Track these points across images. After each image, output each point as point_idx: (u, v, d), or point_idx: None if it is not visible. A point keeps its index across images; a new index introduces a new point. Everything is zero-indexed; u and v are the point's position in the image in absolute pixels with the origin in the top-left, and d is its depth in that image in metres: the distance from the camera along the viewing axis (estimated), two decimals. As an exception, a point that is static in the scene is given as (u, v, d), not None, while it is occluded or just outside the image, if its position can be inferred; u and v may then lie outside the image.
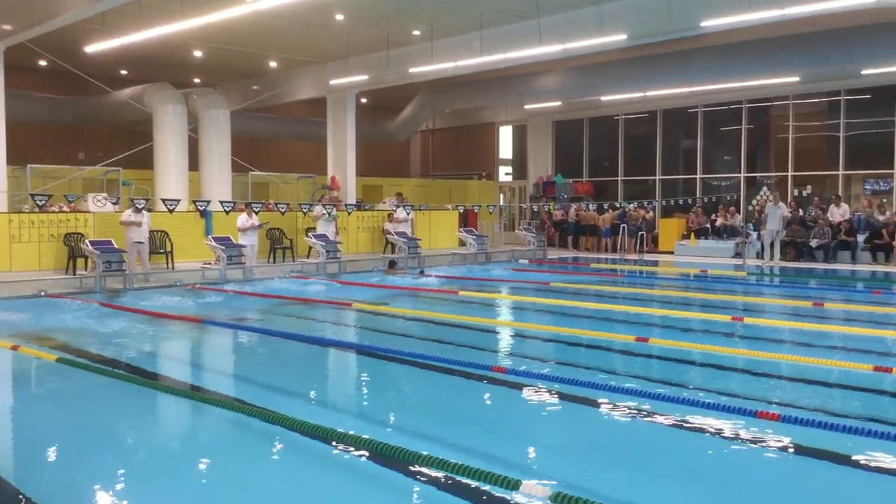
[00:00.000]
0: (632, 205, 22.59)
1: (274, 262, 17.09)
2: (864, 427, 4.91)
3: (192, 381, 7.45)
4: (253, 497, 4.14)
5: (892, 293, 13.33)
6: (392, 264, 15.99)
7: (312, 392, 6.61)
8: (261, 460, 4.73)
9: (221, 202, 15.38)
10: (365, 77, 19.21)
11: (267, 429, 5.13)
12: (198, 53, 19.95)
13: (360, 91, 21.77)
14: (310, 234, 16.63)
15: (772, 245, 18.39)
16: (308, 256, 16.96)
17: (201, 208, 16.08)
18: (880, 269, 17.19)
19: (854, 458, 4.60)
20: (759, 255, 19.14)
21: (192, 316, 10.18)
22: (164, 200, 14.56)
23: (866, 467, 4.49)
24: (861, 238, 18.34)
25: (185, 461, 4.78)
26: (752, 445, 4.88)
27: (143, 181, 19.59)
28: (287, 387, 6.64)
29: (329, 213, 16.63)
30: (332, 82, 20.24)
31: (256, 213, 15.36)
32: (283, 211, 16.49)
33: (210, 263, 14.77)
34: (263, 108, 24.39)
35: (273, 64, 21.40)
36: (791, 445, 4.87)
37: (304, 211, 16.89)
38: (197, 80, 23.58)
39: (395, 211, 18.99)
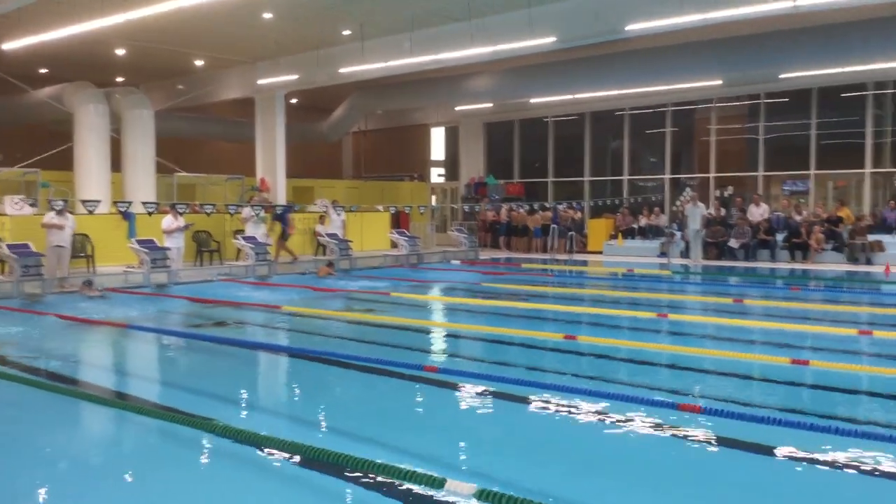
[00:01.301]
0: (562, 205, 22.91)
1: (201, 264, 16.71)
2: (782, 418, 5.08)
3: (116, 389, 7.20)
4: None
5: (809, 290, 13.84)
6: (329, 265, 15.87)
7: (241, 397, 6.47)
8: (189, 469, 4.61)
9: (144, 203, 14.98)
10: (294, 77, 18.99)
11: (195, 436, 5.00)
12: (120, 51, 19.39)
13: (289, 91, 21.49)
14: (238, 236, 16.33)
15: (694, 244, 18.86)
16: (237, 259, 16.66)
17: (123, 210, 15.60)
18: (798, 266, 17.84)
19: (773, 447, 4.73)
20: (684, 255, 19.64)
21: (114, 321, 9.87)
22: (83, 202, 14.10)
23: (785, 457, 4.63)
24: (780, 237, 19.00)
25: (109, 472, 4.61)
26: (676, 437, 4.99)
27: (64, 183, 18.92)
28: (215, 392, 6.50)
29: (257, 215, 16.36)
30: (261, 82, 19.95)
31: (182, 214, 15.00)
32: (209, 212, 16.16)
33: (134, 267, 14.35)
34: (190, 108, 23.86)
35: (199, 63, 20.95)
36: (713, 437, 4.99)
37: (231, 212, 16.57)
38: (120, 79, 22.91)
39: (325, 213, 18.81)
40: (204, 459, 4.80)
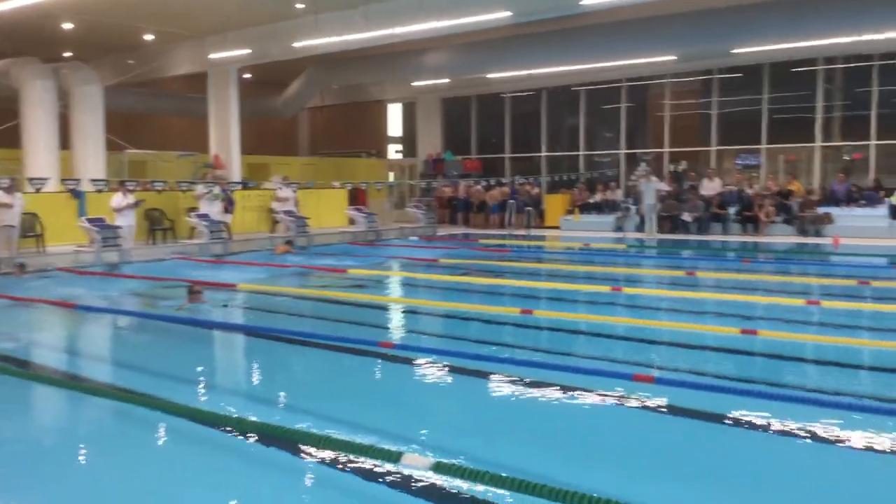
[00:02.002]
0: (520, 180, 23.00)
1: (154, 243, 16.44)
2: (733, 386, 5.20)
3: (69, 370, 7.07)
4: (141, 487, 3.99)
5: (760, 262, 14.14)
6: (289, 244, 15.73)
7: (198, 377, 6.40)
8: (146, 450, 4.56)
9: (94, 181, 14.65)
10: (247, 51, 18.66)
11: (150, 416, 4.94)
12: (68, 26, 18.82)
13: (242, 66, 21.11)
14: (192, 213, 16.08)
15: (649, 219, 19.07)
16: (191, 237, 16.42)
17: (72, 188, 15.25)
18: (749, 239, 18.20)
19: (725, 415, 4.84)
20: (639, 229, 19.88)
21: (65, 301, 9.68)
22: (31, 180, 13.74)
23: (736, 424, 4.75)
24: (732, 210, 19.33)
25: (65, 455, 4.53)
26: (631, 407, 5.08)
27: (11, 161, 18.39)
28: (170, 372, 6.41)
29: (211, 192, 16.12)
30: (212, 56, 19.54)
31: (132, 191, 14.71)
32: (159, 189, 15.86)
33: (84, 246, 14.06)
34: (140, 84, 23.31)
35: (149, 37, 20.44)
36: (666, 406, 5.09)
37: (183, 189, 16.28)
38: (68, 54, 22.26)
39: (279, 189, 18.60)
40: (161, 440, 4.76)
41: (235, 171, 20.23)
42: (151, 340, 8.06)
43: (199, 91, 22.92)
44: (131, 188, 14.80)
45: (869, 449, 4.27)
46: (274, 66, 21.71)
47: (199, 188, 16.57)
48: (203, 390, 5.96)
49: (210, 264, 13.81)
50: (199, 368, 6.67)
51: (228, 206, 16.57)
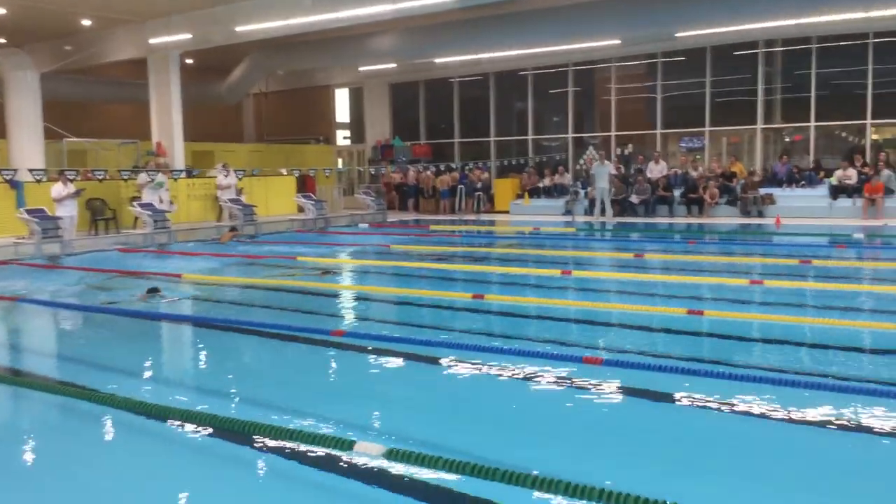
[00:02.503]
0: (469, 165, 23.02)
1: (96, 234, 16.04)
2: (681, 366, 5.30)
3: (11, 365, 6.84)
4: (89, 483, 3.90)
5: (705, 242, 14.41)
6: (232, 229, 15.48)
7: (145, 369, 6.27)
8: (93, 445, 4.45)
9: (32, 171, 14.22)
10: (188, 36, 18.26)
11: (96, 411, 4.82)
12: (1, 11, 18.16)
13: (184, 51, 20.64)
14: (134, 203, 15.73)
15: (603, 202, 19.25)
16: (134, 227, 16.07)
17: (9, 178, 14.76)
18: (694, 221, 18.54)
19: (674, 395, 4.92)
20: (588, 212, 20.10)
21: (4, 295, 9.38)
22: (-36, 171, 13.26)
23: (684, 403, 4.83)
24: (678, 193, 19.65)
25: (8, 452, 4.38)
26: (580, 388, 5.13)
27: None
28: (116, 365, 6.25)
29: (154, 181, 15.77)
30: (153, 41, 19.07)
31: (72, 181, 14.32)
32: (100, 178, 15.46)
33: (24, 238, 13.64)
34: (79, 70, 22.64)
35: (86, 22, 19.83)
36: (614, 386, 5.16)
37: (125, 178, 15.91)
38: (1, 41, 21.49)
39: (220, 177, 18.29)
40: (108, 435, 4.65)
41: (178, 159, 19.80)
42: (96, 333, 7.86)
43: (140, 77, 22.37)
44: (72, 177, 14.40)
45: (813, 423, 4.39)
46: (217, 51, 21.30)
47: (142, 177, 16.20)
48: (150, 383, 5.84)
49: (155, 254, 13.53)
50: (146, 361, 6.53)
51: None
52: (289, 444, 4.09)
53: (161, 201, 16.06)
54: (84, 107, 25.11)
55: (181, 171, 17.80)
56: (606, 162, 19.60)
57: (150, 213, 15.04)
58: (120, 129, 24.28)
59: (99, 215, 16.39)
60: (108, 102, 26.12)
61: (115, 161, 21.21)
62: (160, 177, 16.18)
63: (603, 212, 19.15)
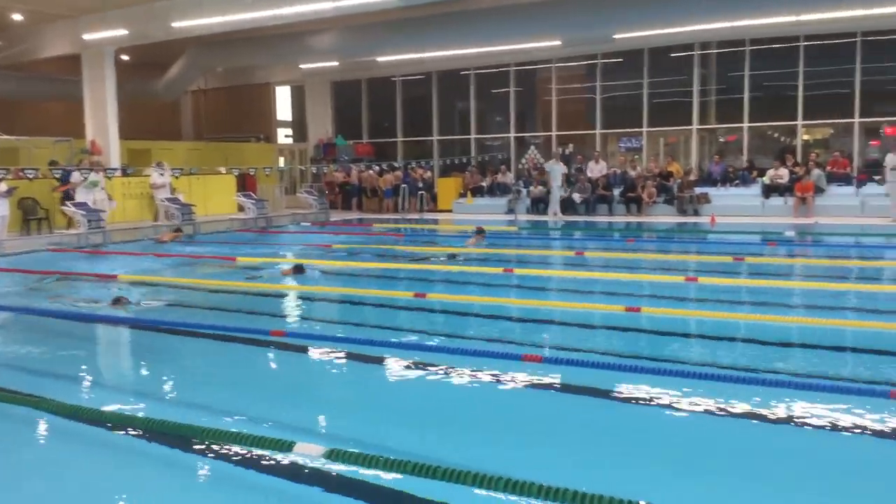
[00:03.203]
0: (412, 164, 23.02)
1: (28, 234, 15.56)
2: (617, 362, 5.39)
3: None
4: (23, 490, 3.78)
5: (643, 241, 14.69)
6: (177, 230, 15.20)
7: (79, 373, 6.10)
8: (27, 451, 4.32)
9: (-41, 170, 13.72)
10: (124, 32, 17.83)
11: (30, 416, 4.68)
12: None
13: (119, 47, 20.15)
14: (68, 202, 15.30)
15: (556, 200, 19.34)
16: (68, 227, 15.63)
17: (-66, 177, 14.24)
18: (633, 219, 18.88)
19: (610, 390, 5.01)
20: (530, 211, 20.33)
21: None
22: None
23: (621, 398, 4.92)
24: (617, 192, 19.99)
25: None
26: (519, 386, 5.18)
27: None
28: (50, 369, 6.08)
29: (87, 179, 15.37)
30: (87, 37, 18.58)
31: (2, 179, 13.86)
32: (31, 177, 15.00)
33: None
34: (10, 66, 21.90)
35: (17, 17, 19.22)
36: (553, 383, 5.22)
37: (56, 177, 15.47)
38: (-74, 35, 20.68)
39: (153, 176, 17.92)
40: (42, 440, 4.52)
41: (114, 157, 19.33)
42: (29, 336, 7.62)
43: (74, 73, 21.77)
44: (2, 176, 13.94)
45: (747, 416, 4.52)
46: (153, 48, 20.85)
47: (75, 175, 15.77)
48: (86, 387, 5.69)
49: (90, 255, 13.19)
50: (80, 364, 6.37)
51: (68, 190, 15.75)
52: (228, 447, 4.04)
53: (94, 202, 15.64)
54: (15, 104, 24.30)
55: (116, 169, 17.35)
56: (560, 162, 19.86)
57: (83, 212, 14.65)
58: (53, 127, 23.54)
59: (31, 215, 15.90)
60: (41, 100, 25.32)
61: (49, 159, 20.57)
62: (93, 175, 15.76)
63: (556, 210, 19.32)
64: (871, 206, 17.41)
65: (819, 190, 18.15)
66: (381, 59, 23.12)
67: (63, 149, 21.62)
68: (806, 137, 20.81)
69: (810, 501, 3.52)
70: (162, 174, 17.70)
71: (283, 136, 29.37)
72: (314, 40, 20.99)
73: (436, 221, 19.84)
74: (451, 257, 10.33)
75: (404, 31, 19.90)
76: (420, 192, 21.65)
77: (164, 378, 5.93)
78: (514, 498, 3.25)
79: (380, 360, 5.90)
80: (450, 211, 22.00)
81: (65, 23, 19.31)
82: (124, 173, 18.30)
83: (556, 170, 19.39)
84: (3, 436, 4.60)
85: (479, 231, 13.34)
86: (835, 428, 4.30)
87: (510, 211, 20.44)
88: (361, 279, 10.39)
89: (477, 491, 3.33)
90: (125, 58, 23.85)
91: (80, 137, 20.85)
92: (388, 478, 3.57)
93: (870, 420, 4.36)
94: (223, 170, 20.88)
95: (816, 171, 18.41)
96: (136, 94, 24.46)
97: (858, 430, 4.25)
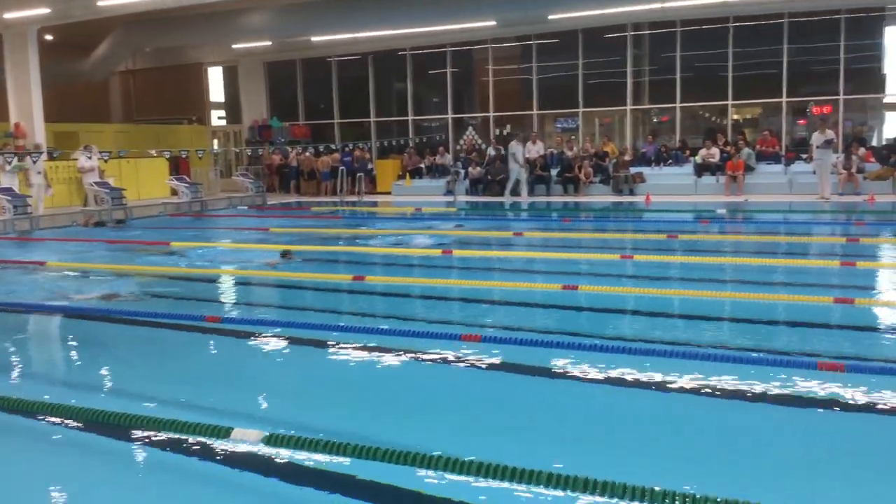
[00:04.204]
0: (349, 146, 22.80)
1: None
2: (556, 340, 5.46)
3: None
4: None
5: (580, 220, 14.88)
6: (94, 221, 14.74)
7: (10, 363, 5.88)
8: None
9: None
10: (46, 11, 17.12)
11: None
12: None
13: (42, 26, 19.38)
14: (-9, 188, 14.73)
15: (517, 182, 19.25)
16: (-8, 214, 15.03)
17: None
18: (570, 199, 19.10)
19: (549, 367, 5.07)
20: (469, 192, 20.39)
21: None
22: None
23: (561, 375, 4.98)
24: (554, 172, 20.17)
25: None
26: (460, 366, 5.20)
27: None
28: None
29: (11, 164, 14.80)
30: (7, 16, 17.79)
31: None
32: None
33: None
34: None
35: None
36: (493, 362, 5.25)
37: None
38: None
39: (80, 159, 17.35)
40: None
41: (40, 140, 18.63)
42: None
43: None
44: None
45: (682, 390, 4.62)
46: (79, 27, 20.13)
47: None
48: (17, 378, 5.50)
49: (15, 242, 12.73)
50: (11, 354, 6.14)
51: None
52: (164, 435, 3.96)
53: (31, 185, 15.08)
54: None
55: (40, 153, 16.73)
56: (521, 143, 19.76)
57: (9, 198, 14.13)
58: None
59: (-49, 202, 15.24)
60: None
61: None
62: (17, 161, 15.18)
63: (516, 192, 19.30)
64: (798, 183, 17.96)
65: (749, 168, 18.64)
66: (315, 39, 22.78)
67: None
68: (736, 117, 21.34)
69: (734, 471, 3.62)
70: (90, 157, 17.13)
71: (217, 117, 28.74)
72: (246, 19, 20.57)
73: (375, 204, 19.73)
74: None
75: (338, 10, 19.65)
76: (359, 175, 21.48)
77: (97, 366, 5.77)
78: (456, 477, 3.27)
79: (320, 344, 5.84)
80: (389, 193, 21.90)
81: (-17, 1, 18.47)
82: (51, 157, 17.68)
83: (519, 150, 19.20)
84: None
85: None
86: (764, 399, 4.43)
87: (449, 192, 20.46)
88: (298, 262, 10.26)
89: (420, 472, 3.34)
90: (49, 37, 22.97)
91: (2, 121, 20.05)
92: (327, 461, 3.55)
93: (799, 390, 4.50)
94: (154, 153, 20.36)
95: (746, 150, 18.90)
96: (61, 75, 23.61)
97: (787, 401, 4.39)
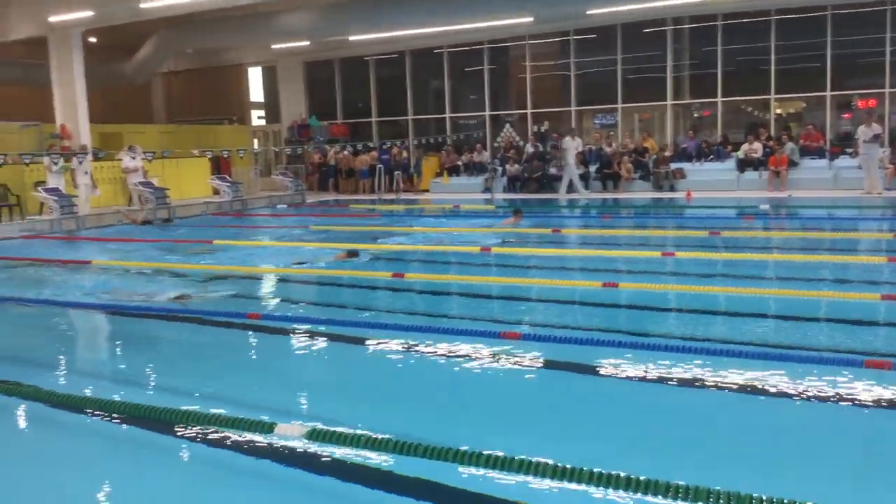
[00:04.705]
0: (387, 144, 22.90)
1: (-1, 221, 15.32)
2: (600, 338, 5.42)
3: None
4: (9, 481, 3.75)
5: (620, 217, 14.75)
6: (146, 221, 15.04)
7: (58, 359, 6.02)
8: (6, 438, 4.29)
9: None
10: (90, 13, 17.44)
11: (8, 403, 4.63)
12: None
13: (86, 29, 19.76)
14: (39, 188, 15.06)
15: (571, 179, 19.23)
16: (41, 213, 15.39)
17: None
18: (610, 196, 18.94)
19: (592, 366, 5.03)
20: (507, 190, 20.36)
21: None
22: None
23: (602, 374, 4.94)
24: (593, 168, 20.02)
25: None
26: (500, 364, 5.19)
27: None
28: (29, 356, 6.00)
29: (57, 165, 15.12)
30: (52, 19, 18.17)
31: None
32: (-1, 162, 14.74)
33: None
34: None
35: (-21, -1, 18.76)
36: (533, 360, 5.24)
37: (27, 162, 15.19)
38: None
39: (125, 160, 17.68)
40: (23, 427, 4.48)
41: (85, 142, 19.00)
42: (3, 323, 7.52)
43: (40, 57, 21.35)
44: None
45: (728, 389, 4.56)
46: (122, 30, 20.49)
47: (46, 160, 15.51)
48: (65, 373, 5.63)
49: (62, 241, 13.02)
50: (60, 351, 6.29)
51: None
52: (210, 430, 4.01)
53: (77, 186, 15.42)
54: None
55: (86, 154, 17.07)
56: (576, 138, 19.68)
57: (55, 198, 14.44)
58: (21, 112, 23.11)
59: (2, 202, 15.66)
60: (8, 84, 24.84)
61: (17, 144, 20.20)
62: (63, 161, 15.52)
63: (571, 188, 19.21)
64: (843, 178, 17.59)
65: (792, 163, 18.30)
66: (353, 38, 22.88)
67: (31, 134, 21.26)
68: (779, 111, 20.95)
69: (789, 474, 3.56)
70: (134, 158, 17.46)
71: (256, 117, 29.06)
72: (285, 20, 20.74)
73: (413, 202, 19.78)
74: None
75: (376, 9, 19.70)
76: (396, 173, 21.55)
77: (142, 362, 5.87)
78: (497, 474, 3.26)
79: (360, 341, 5.88)
80: (427, 191, 21.94)
81: (29, 4, 18.86)
82: (96, 157, 18.03)
83: (572, 146, 19.11)
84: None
85: (517, 212, 12.71)
86: (810, 398, 4.35)
87: (486, 189, 20.42)
88: (338, 260, 10.32)
89: (461, 469, 3.34)
90: (93, 40, 23.43)
91: (46, 122, 20.50)
92: (370, 456, 3.57)
93: (844, 389, 4.42)
94: (196, 153, 20.65)
95: (790, 145, 18.55)
96: (105, 78, 24.06)
97: (834, 400, 4.30)
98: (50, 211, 14.57)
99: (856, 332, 5.82)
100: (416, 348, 5.61)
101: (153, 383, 5.27)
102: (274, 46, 24.64)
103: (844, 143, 19.24)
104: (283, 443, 3.81)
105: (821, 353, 4.98)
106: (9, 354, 6.07)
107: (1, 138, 20.59)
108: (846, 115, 20.40)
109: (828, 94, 19.76)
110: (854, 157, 17.69)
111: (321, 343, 6.06)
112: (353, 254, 9.82)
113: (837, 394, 4.35)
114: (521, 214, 12.74)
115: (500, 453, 3.25)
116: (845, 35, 19.38)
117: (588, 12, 19.71)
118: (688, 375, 4.76)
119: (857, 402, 4.27)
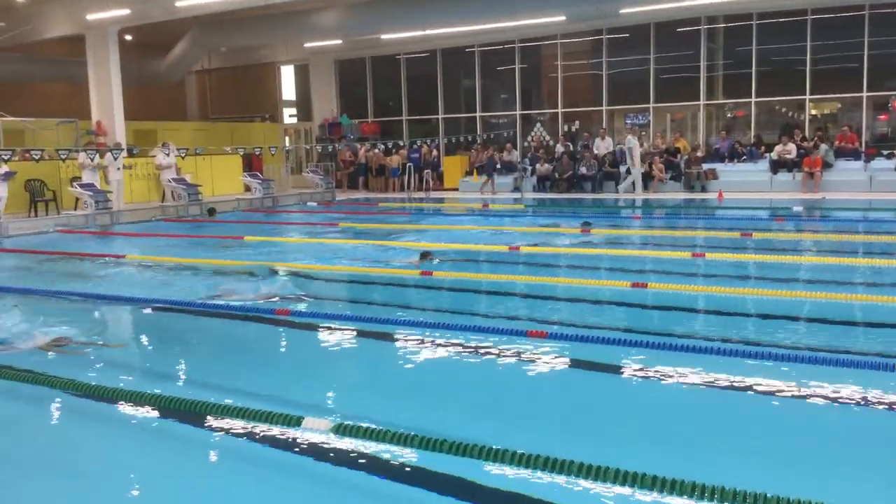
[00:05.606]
0: (419, 142, 22.95)
1: (35, 215, 15.60)
2: (625, 338, 5.39)
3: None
4: (42, 469, 3.82)
5: (652, 217, 14.64)
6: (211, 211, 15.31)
7: (90, 351, 6.12)
8: (37, 429, 4.38)
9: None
10: (126, 11, 17.73)
11: (40, 394, 4.72)
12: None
13: (122, 27, 20.07)
14: (75, 183, 15.32)
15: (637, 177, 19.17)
16: (76, 208, 15.66)
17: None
18: (640, 196, 18.79)
19: (619, 366, 5.01)
20: (536, 189, 20.29)
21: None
22: None
23: (628, 374, 4.92)
24: (623, 168, 19.88)
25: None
26: (525, 362, 5.19)
27: None
28: (62, 347, 6.11)
29: (93, 161, 15.37)
30: (90, 17, 18.49)
31: (6, 161, 13.87)
32: (37, 158, 15.00)
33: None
34: (13, 48, 21.86)
35: (20, -3, 19.17)
36: (560, 359, 5.22)
37: (63, 158, 15.45)
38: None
39: (158, 156, 17.90)
40: (54, 418, 4.56)
41: (120, 138, 19.30)
42: (37, 315, 7.65)
43: (77, 54, 21.72)
44: (6, 158, 13.94)
45: (754, 390, 4.51)
46: (157, 28, 20.77)
47: (81, 156, 15.78)
48: (97, 365, 5.72)
49: (97, 236, 13.23)
50: (91, 343, 6.39)
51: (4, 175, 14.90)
52: (236, 423, 4.06)
53: (109, 182, 15.66)
54: (19, 86, 24.28)
55: (121, 150, 17.31)
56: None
57: (90, 193, 14.68)
58: (57, 109, 23.53)
59: (38, 196, 15.95)
60: (46, 81, 25.30)
61: (54, 140, 20.57)
62: (97, 157, 15.76)
63: (635, 186, 19.11)
64: (879, 181, 17.30)
65: (827, 165, 18.02)
66: (385, 36, 22.97)
67: (67, 130, 21.61)
68: (814, 112, 20.65)
69: (822, 475, 3.52)
70: (167, 154, 17.70)
71: (288, 115, 29.30)
72: (318, 18, 20.89)
73: (442, 200, 19.81)
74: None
75: (407, 7, 19.77)
76: (426, 171, 21.57)
77: (172, 355, 5.96)
78: (522, 471, 3.26)
79: (387, 338, 5.91)
80: (456, 189, 21.95)
81: (67, 3, 19.23)
82: (129, 154, 18.30)
83: (636, 145, 19.00)
84: (13, 415, 4.64)
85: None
86: (843, 401, 4.30)
87: (516, 188, 20.38)
88: (367, 257, 10.37)
89: (486, 466, 3.35)
90: (129, 38, 23.77)
91: (83, 118, 20.84)
92: (396, 451, 3.59)
93: (877, 393, 4.35)
94: (229, 150, 20.88)
95: (824, 146, 18.27)
96: (140, 75, 24.42)
97: (865, 403, 4.24)
98: (85, 206, 14.81)
99: (891, 336, 5.73)
100: (442, 345, 5.62)
101: (180, 375, 5.34)
102: (306, 45, 24.83)
103: (880, 145, 18.91)
104: (310, 436, 3.84)
105: (854, 357, 4.91)
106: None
107: (38, 135, 20.98)
108: (882, 117, 20.05)
109: (864, 94, 19.43)
110: (890, 160, 17.37)
111: (349, 339, 6.10)
112: (426, 255, 9.53)
113: (869, 397, 4.29)
114: (591, 227, 12.38)
115: (527, 451, 3.25)
116: (883, 35, 19.04)
117: (621, 11, 19.60)
118: (718, 377, 4.72)
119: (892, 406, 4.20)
